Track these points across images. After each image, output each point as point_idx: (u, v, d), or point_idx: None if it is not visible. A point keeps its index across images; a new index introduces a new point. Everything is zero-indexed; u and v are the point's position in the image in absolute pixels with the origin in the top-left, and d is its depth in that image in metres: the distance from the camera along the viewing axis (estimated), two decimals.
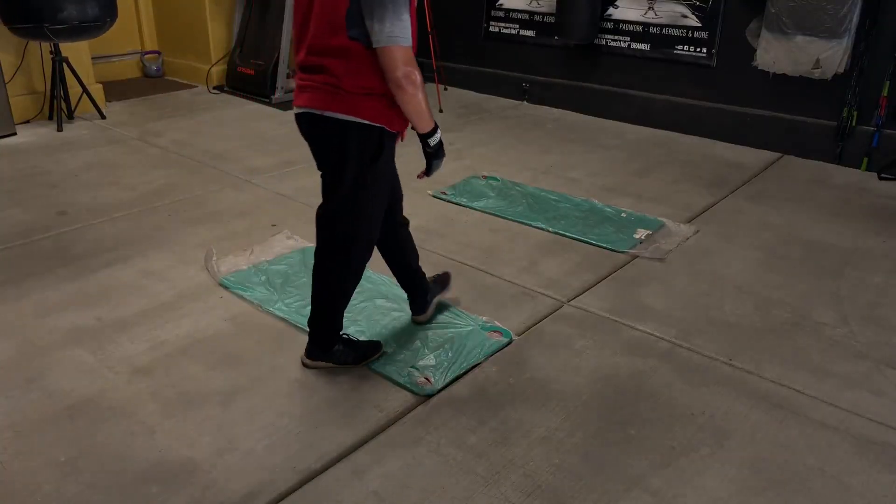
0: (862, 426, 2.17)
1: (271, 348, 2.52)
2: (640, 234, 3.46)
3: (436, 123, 2.13)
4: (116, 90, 6.15)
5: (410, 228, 2.54)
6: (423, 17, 5.92)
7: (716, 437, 2.12)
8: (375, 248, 2.39)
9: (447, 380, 2.33)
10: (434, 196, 3.92)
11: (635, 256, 3.25)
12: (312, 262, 2.33)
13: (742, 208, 3.85)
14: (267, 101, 5.89)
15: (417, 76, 1.96)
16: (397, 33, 1.89)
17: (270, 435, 2.09)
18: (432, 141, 2.14)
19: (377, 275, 2.97)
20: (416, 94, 1.98)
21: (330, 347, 2.38)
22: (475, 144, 4.93)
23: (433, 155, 2.18)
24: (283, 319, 2.69)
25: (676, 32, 5.11)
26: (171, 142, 4.80)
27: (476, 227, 3.56)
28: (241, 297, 2.84)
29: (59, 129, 5.02)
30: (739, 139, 4.92)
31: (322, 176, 2.22)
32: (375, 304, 2.79)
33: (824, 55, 4.38)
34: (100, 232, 3.44)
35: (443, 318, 2.69)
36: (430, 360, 2.43)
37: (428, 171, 2.23)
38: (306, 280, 2.94)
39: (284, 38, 5.85)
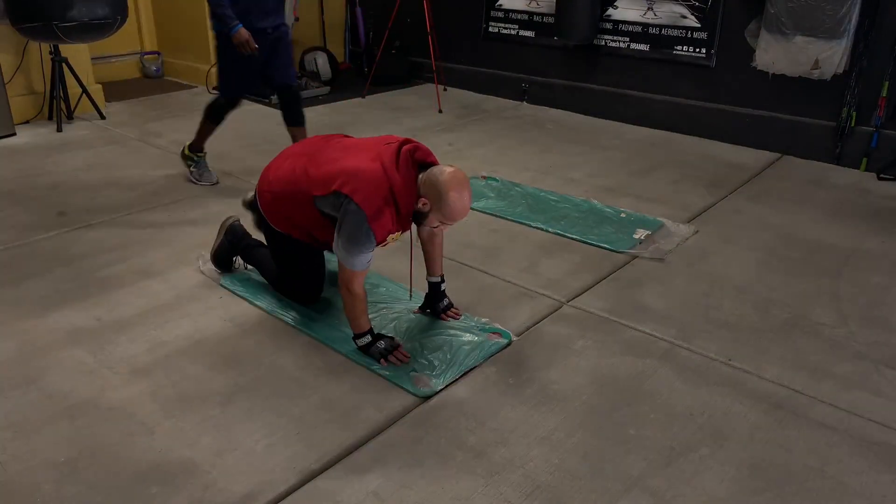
0: (861, 426, 2.17)
1: (271, 348, 2.52)
2: (640, 234, 3.46)
3: (368, 331, 2.44)
4: (116, 91, 6.15)
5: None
6: (422, 17, 5.93)
7: (715, 437, 2.12)
8: None
9: (446, 381, 2.33)
10: None
11: (635, 257, 3.25)
12: None
13: (741, 208, 3.86)
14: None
15: (358, 290, 2.37)
16: (354, 263, 2.31)
17: (270, 435, 2.09)
18: (359, 342, 2.45)
19: (380, 278, 2.97)
20: (351, 302, 2.39)
21: (229, 238, 2.98)
22: (475, 145, 4.93)
23: (362, 351, 2.46)
24: (282, 320, 2.69)
25: (676, 33, 5.11)
26: (171, 142, 4.80)
27: (476, 228, 3.56)
28: (240, 297, 2.84)
29: (59, 129, 5.02)
30: (739, 139, 4.93)
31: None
32: (376, 307, 2.79)
33: (823, 56, 4.39)
34: (99, 232, 3.44)
35: (441, 319, 2.69)
36: (428, 361, 2.43)
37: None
38: None
39: None
